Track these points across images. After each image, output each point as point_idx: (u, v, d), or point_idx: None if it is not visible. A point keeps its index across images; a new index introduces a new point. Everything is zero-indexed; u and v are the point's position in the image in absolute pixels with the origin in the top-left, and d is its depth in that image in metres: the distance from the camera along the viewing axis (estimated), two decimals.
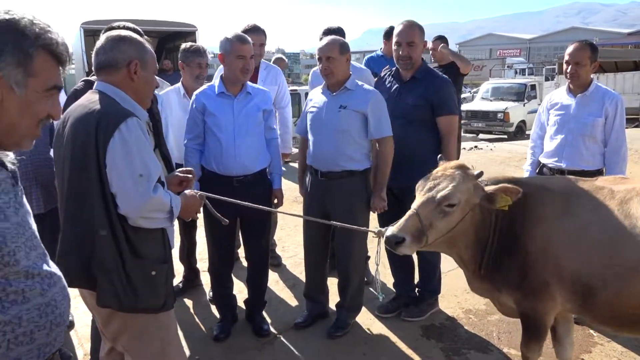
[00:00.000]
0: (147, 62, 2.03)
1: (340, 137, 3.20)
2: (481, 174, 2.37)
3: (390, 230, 2.31)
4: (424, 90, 3.34)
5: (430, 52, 6.34)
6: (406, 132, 3.31)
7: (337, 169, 3.25)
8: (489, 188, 2.35)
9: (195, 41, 9.51)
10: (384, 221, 3.52)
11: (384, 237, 2.33)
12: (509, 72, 30.52)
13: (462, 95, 23.90)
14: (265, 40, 4.19)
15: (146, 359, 2.00)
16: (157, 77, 4.35)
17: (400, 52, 3.41)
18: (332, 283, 3.84)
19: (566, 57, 3.51)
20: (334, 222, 3.04)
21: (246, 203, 2.67)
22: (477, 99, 17.14)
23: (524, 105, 15.14)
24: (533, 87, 16.21)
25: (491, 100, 16.12)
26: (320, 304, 3.67)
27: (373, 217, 3.63)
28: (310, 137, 3.38)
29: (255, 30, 4.03)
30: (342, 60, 3.19)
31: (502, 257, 2.45)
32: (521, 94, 15.75)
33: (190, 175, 2.34)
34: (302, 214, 3.54)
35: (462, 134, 14.42)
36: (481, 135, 15.41)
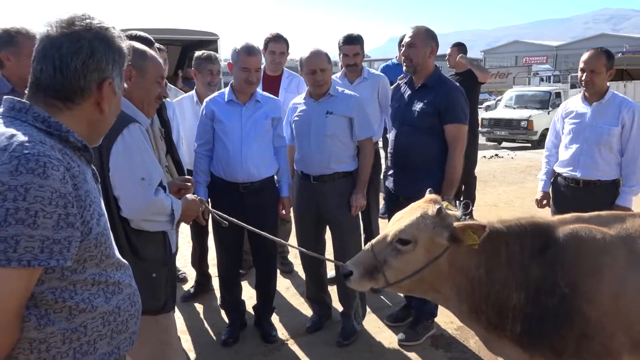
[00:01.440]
0: (144, 69, 2.09)
1: (329, 142, 3.29)
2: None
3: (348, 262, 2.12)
4: (432, 98, 3.26)
5: (447, 58, 6.31)
6: (412, 140, 3.28)
7: (328, 172, 3.33)
8: (457, 224, 1.97)
9: (217, 49, 9.67)
10: None
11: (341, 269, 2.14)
12: (535, 79, 30.04)
13: (487, 103, 23.63)
14: (287, 48, 4.27)
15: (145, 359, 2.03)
16: (173, 87, 4.43)
17: (401, 53, 3.45)
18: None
19: (581, 65, 3.45)
20: (328, 258, 3.16)
21: (251, 227, 2.67)
22: (501, 107, 16.92)
23: (548, 114, 14.84)
24: (558, 94, 15.93)
25: (515, 108, 15.88)
26: (325, 304, 3.73)
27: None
28: (298, 143, 3.45)
29: (277, 39, 4.11)
30: (330, 70, 3.34)
31: (543, 320, 1.97)
32: (545, 102, 15.49)
33: (188, 184, 2.39)
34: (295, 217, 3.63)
35: (484, 142, 14.22)
36: (504, 144, 15.19)
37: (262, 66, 4.31)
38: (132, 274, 1.42)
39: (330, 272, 3.94)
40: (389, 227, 2.12)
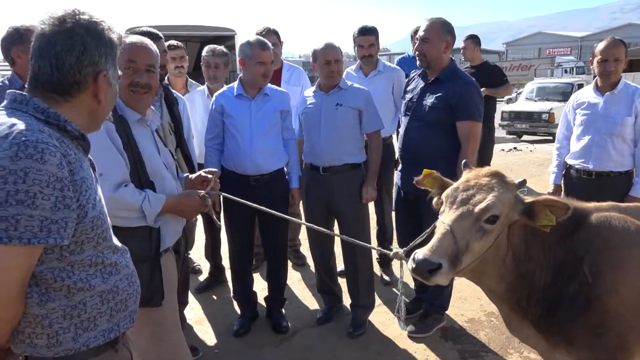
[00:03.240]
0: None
1: (339, 133, 3.32)
2: (524, 182, 1.91)
3: (422, 253, 1.76)
4: (444, 92, 3.16)
5: (462, 52, 6.24)
6: (422, 135, 3.22)
7: (338, 163, 3.37)
8: (529, 200, 1.88)
9: (234, 45, 9.76)
10: (400, 226, 3.53)
11: (414, 264, 1.77)
12: (557, 71, 29.43)
13: (508, 96, 23.20)
14: (278, 39, 4.26)
15: (137, 350, 2.09)
16: (194, 82, 4.48)
17: (415, 48, 3.37)
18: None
19: (600, 55, 3.36)
20: (340, 235, 3.12)
21: (257, 206, 2.63)
22: (521, 99, 16.63)
23: None
24: (581, 86, 15.59)
25: (536, 101, 15.60)
26: (335, 296, 3.77)
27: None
28: (307, 136, 3.48)
29: (266, 33, 4.09)
30: (343, 62, 3.38)
31: (561, 306, 1.93)
32: (567, 94, 15.10)
33: (210, 176, 2.37)
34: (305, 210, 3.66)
35: (504, 136, 13.99)
36: (525, 137, 14.96)
37: None
38: (129, 257, 1.50)
39: (340, 265, 3.96)
40: (455, 209, 1.86)
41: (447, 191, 1.96)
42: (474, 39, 6.14)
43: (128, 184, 2.02)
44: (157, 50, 2.24)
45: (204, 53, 4.03)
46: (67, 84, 1.30)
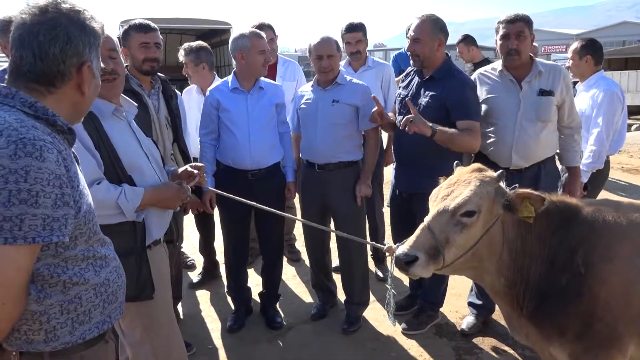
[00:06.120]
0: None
1: (335, 130, 3.27)
2: (502, 174, 1.98)
3: (401, 248, 1.93)
4: (439, 92, 3.09)
5: (461, 56, 6.20)
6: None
7: (333, 161, 3.32)
8: (518, 192, 1.96)
9: (229, 39, 9.71)
10: (394, 224, 3.52)
11: (394, 257, 1.96)
12: None
13: None
14: (273, 34, 4.23)
15: (131, 343, 2.08)
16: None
17: (407, 48, 3.28)
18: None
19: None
20: (335, 230, 3.10)
21: (251, 202, 2.66)
22: None
23: None
24: (575, 83, 15.60)
25: None
26: (330, 292, 3.76)
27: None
28: (304, 132, 3.44)
29: (261, 28, 4.04)
30: (338, 57, 3.32)
31: (553, 297, 1.98)
32: None
33: (195, 171, 2.34)
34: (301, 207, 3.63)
35: None
36: None
37: None
38: (114, 249, 1.50)
39: (335, 261, 3.95)
40: (435, 206, 1.99)
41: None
42: (464, 41, 6.09)
43: (101, 182, 1.94)
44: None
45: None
46: (51, 74, 1.28)
